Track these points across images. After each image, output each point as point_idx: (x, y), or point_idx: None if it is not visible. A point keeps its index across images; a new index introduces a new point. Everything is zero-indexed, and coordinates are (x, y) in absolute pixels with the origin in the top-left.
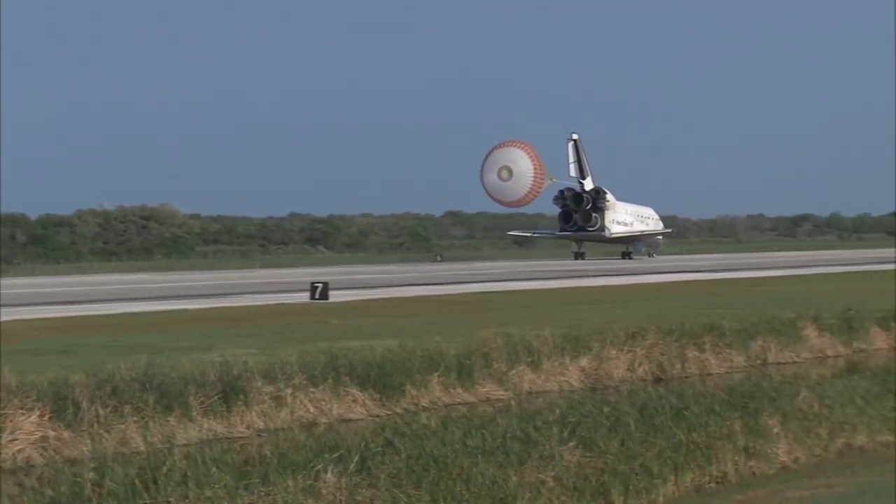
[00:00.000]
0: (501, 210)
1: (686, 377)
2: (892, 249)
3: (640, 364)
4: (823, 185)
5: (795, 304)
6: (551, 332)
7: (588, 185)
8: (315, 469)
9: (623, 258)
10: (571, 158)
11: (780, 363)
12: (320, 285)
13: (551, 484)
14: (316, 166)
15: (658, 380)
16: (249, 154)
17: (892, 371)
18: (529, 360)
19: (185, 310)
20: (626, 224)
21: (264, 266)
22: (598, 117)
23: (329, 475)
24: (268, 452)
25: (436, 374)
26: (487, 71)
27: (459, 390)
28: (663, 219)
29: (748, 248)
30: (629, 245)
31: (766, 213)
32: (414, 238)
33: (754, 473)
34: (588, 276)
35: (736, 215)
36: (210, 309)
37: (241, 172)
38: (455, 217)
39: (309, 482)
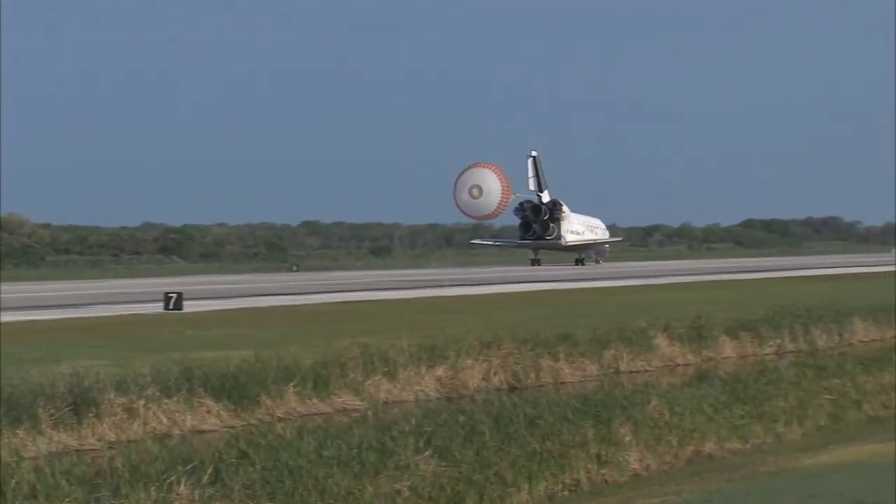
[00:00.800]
0: (358, 220)
1: (540, 386)
2: (741, 259)
3: (495, 373)
4: (675, 197)
5: (647, 314)
6: (408, 342)
7: (545, 197)
8: (168, 481)
9: (576, 264)
10: (531, 173)
11: (632, 372)
12: (174, 295)
13: (407, 494)
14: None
15: (513, 389)
16: (102, 160)
17: (740, 379)
18: (386, 370)
19: (35, 321)
20: (578, 233)
21: (117, 276)
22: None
23: (182, 487)
24: (119, 465)
25: (291, 384)
26: (369, 71)
27: (315, 401)
28: None
29: (493, 259)
30: (581, 252)
31: (619, 224)
32: (269, 248)
33: (606, 481)
34: (447, 286)
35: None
36: (61, 320)
37: (94, 180)
38: (311, 227)
39: (161, 494)
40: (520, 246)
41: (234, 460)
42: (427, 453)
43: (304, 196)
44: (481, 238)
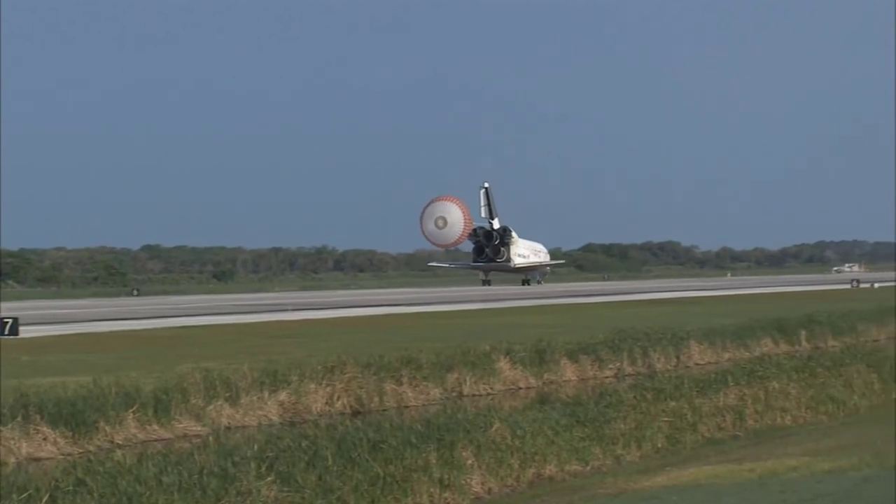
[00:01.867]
0: (200, 244)
1: (384, 410)
2: (582, 283)
3: (338, 398)
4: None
5: (490, 337)
6: (250, 367)
7: (496, 224)
8: None
9: (523, 284)
10: (483, 202)
11: (475, 395)
12: (10, 321)
13: None
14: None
15: (357, 413)
16: None
17: (581, 402)
18: (228, 395)
19: None
20: (524, 257)
21: None
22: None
23: None
24: None
25: (131, 410)
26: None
27: (156, 427)
28: None
29: (445, 280)
30: (527, 274)
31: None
32: (109, 272)
33: None
34: (289, 310)
35: (435, 249)
36: None
37: None
38: (152, 251)
39: None
40: (473, 268)
41: (70, 488)
42: (269, 479)
43: (145, 219)
44: (438, 262)
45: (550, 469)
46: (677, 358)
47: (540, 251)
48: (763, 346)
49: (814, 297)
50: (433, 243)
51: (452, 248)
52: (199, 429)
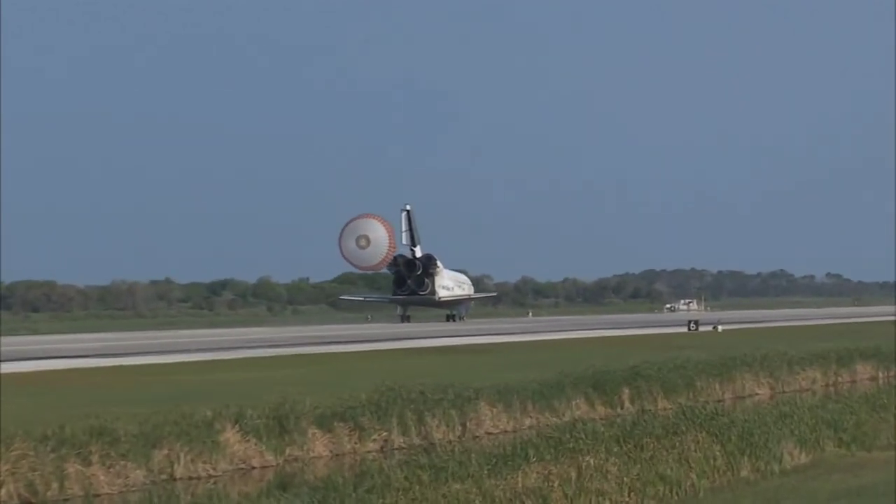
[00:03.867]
0: None
1: (66, 500)
2: (335, 325)
3: (2, 484)
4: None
5: (214, 399)
6: None
7: (418, 252)
8: None
9: (448, 320)
10: (404, 227)
11: (192, 478)
12: None
13: None
14: None
15: (28, 503)
16: None
17: (335, 486)
18: None
19: None
20: (449, 289)
21: None
22: None
23: None
24: None
25: None
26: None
27: None
28: None
29: (156, 323)
30: (453, 308)
31: (175, 279)
32: None
33: None
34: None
35: (136, 280)
36: None
37: None
38: None
39: None
40: (393, 302)
41: None
42: None
43: None
44: (349, 294)
45: None
46: (463, 425)
47: (464, 283)
48: (575, 409)
49: (640, 344)
50: (353, 264)
51: (372, 272)
52: None
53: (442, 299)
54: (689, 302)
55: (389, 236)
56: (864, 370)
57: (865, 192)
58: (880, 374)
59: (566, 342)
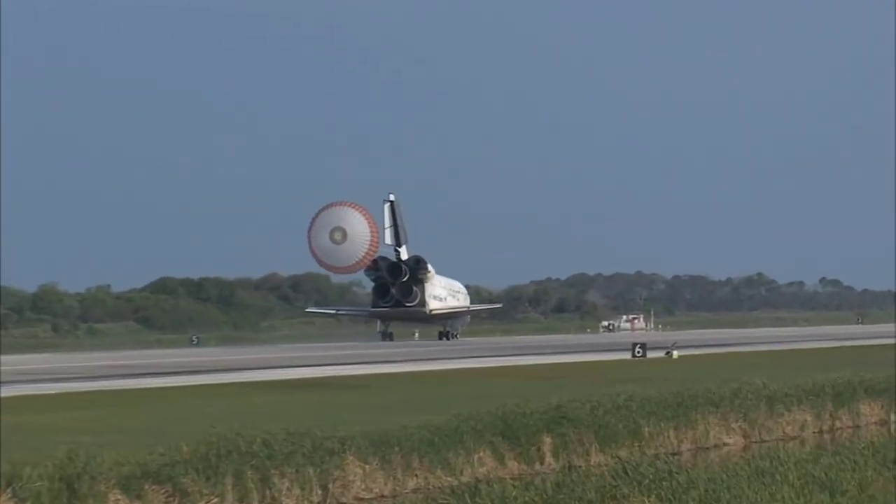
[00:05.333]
0: None
1: None
2: (150, 350)
3: None
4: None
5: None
6: None
7: (404, 253)
8: None
9: (441, 338)
10: (387, 223)
11: None
12: None
13: None
14: None
15: None
16: None
17: None
18: None
19: None
20: (441, 299)
21: None
22: None
23: None
24: None
25: None
26: None
27: None
28: None
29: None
30: (447, 323)
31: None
32: None
33: None
34: None
35: None
36: None
37: None
38: None
39: None
40: (372, 315)
41: None
42: None
43: None
44: (317, 305)
45: None
46: (323, 488)
47: (458, 292)
48: (478, 466)
49: (567, 375)
50: (325, 265)
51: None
52: None
53: (433, 312)
54: (634, 318)
55: (372, 231)
56: (870, 411)
57: (868, 172)
58: (893, 417)
59: (466, 373)
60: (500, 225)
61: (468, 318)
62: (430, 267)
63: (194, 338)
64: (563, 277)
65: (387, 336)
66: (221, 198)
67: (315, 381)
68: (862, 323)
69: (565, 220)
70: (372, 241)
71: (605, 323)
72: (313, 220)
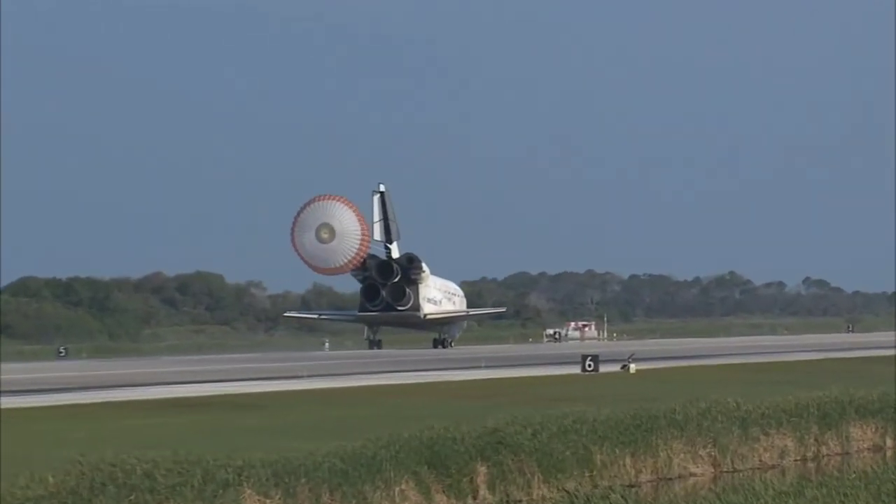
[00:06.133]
0: None
1: None
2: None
3: None
4: None
5: None
6: None
7: (395, 251)
8: None
9: (435, 346)
10: (377, 216)
11: None
12: None
13: None
14: None
15: None
16: None
17: None
18: None
19: None
20: (436, 302)
21: None
22: None
23: None
24: None
25: None
26: None
27: None
28: None
29: None
30: (443, 330)
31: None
32: None
33: None
34: None
35: None
36: None
37: None
38: None
39: None
40: (360, 320)
41: None
42: None
43: None
44: (298, 311)
45: None
46: None
47: (455, 294)
48: (400, 500)
49: (505, 393)
50: (312, 266)
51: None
52: None
53: (428, 317)
54: (584, 325)
55: (362, 227)
56: (862, 435)
57: (862, 161)
58: (888, 442)
59: (383, 390)
60: (427, 214)
61: (465, 323)
62: (424, 266)
63: (62, 349)
64: (500, 277)
65: (374, 343)
66: (93, 185)
67: (206, 400)
68: (853, 331)
69: (505, 210)
70: (363, 238)
71: (551, 331)
72: (297, 215)
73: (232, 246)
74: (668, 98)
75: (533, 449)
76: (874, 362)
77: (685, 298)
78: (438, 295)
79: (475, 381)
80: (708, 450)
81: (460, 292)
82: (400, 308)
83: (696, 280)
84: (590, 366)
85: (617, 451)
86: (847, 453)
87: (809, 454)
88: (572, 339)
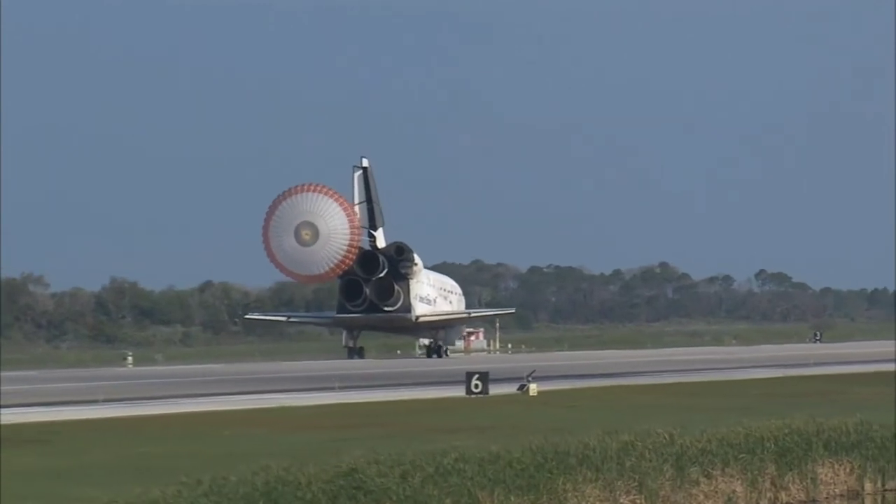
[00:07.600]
0: None
1: None
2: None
3: None
4: None
5: None
6: None
7: (381, 239)
8: None
9: (430, 355)
10: (358, 198)
11: None
12: None
13: None
14: None
15: None
16: None
17: None
18: None
19: None
20: (430, 302)
21: None
22: None
23: None
24: None
25: None
26: None
27: None
28: None
29: None
30: (436, 335)
31: None
32: None
33: None
34: None
35: None
36: None
37: None
38: None
39: None
40: (337, 323)
41: None
42: None
43: None
44: (263, 312)
45: None
46: None
47: (451, 292)
48: None
49: (364, 423)
50: (290, 272)
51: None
52: None
53: (421, 319)
54: (471, 333)
55: (352, 225)
56: (833, 477)
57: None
58: (867, 486)
59: (209, 418)
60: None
61: (463, 327)
62: (416, 258)
63: None
64: None
65: (355, 352)
66: None
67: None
68: (821, 340)
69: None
70: (352, 238)
71: (426, 341)
72: (270, 212)
73: None
74: (598, 68)
75: (402, 496)
76: (851, 381)
77: (602, 298)
78: (433, 293)
79: (327, 406)
80: (632, 496)
81: (458, 290)
82: (387, 309)
83: (617, 274)
84: (477, 387)
85: (512, 498)
86: (814, 500)
87: (764, 502)
88: (456, 351)
